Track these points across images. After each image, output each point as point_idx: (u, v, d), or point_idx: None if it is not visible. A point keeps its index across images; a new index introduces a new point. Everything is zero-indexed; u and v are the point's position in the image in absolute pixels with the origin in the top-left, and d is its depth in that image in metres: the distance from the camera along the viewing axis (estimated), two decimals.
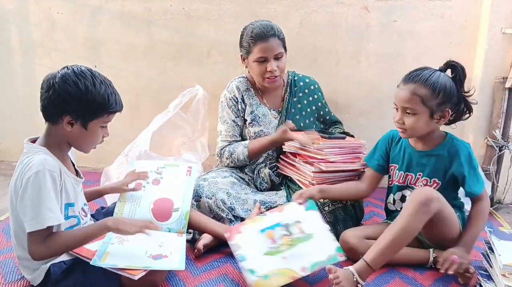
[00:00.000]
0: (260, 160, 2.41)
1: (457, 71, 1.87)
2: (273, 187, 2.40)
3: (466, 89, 1.91)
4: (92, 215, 1.93)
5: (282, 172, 2.37)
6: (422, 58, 2.84)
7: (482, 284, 1.73)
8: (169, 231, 1.93)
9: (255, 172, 2.41)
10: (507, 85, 2.63)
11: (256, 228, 1.91)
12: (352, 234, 1.97)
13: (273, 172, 2.39)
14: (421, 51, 2.84)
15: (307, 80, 2.50)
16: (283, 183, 2.39)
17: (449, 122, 1.94)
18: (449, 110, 1.84)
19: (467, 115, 1.94)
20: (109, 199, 2.37)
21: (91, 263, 1.55)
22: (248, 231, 1.91)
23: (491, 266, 1.75)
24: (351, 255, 1.87)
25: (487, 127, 2.77)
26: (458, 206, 1.98)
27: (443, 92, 1.80)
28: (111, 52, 3.07)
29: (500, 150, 2.71)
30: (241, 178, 2.39)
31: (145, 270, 1.59)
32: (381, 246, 1.70)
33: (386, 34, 2.84)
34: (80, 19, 3.05)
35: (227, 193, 2.16)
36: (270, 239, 1.85)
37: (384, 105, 2.92)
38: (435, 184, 1.93)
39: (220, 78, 2.92)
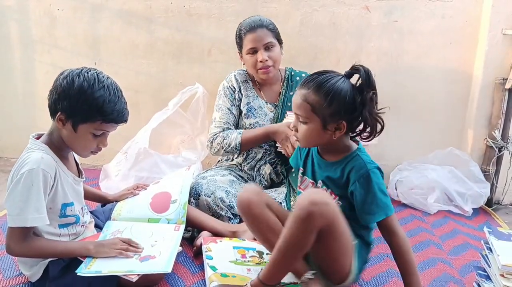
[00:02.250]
0: (259, 156, 2.40)
1: (360, 76, 1.56)
2: (272, 185, 2.40)
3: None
4: (91, 212, 1.93)
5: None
6: (423, 58, 2.85)
7: (480, 284, 1.73)
8: (168, 222, 1.93)
9: (255, 170, 2.41)
10: (507, 86, 2.63)
11: (232, 244, 1.94)
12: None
13: (273, 169, 2.39)
14: (421, 51, 2.84)
15: (303, 75, 2.50)
16: (283, 181, 2.38)
17: (359, 136, 1.63)
18: (344, 122, 1.54)
19: (376, 130, 1.60)
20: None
21: (76, 271, 1.53)
22: (223, 244, 1.94)
23: (489, 266, 1.74)
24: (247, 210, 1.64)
25: (486, 128, 2.77)
26: (364, 239, 1.64)
27: (337, 101, 1.52)
28: (111, 50, 3.07)
29: (500, 150, 2.71)
30: (240, 176, 2.39)
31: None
32: (272, 260, 1.52)
33: (387, 34, 2.84)
34: (80, 16, 3.04)
35: (226, 191, 2.15)
36: (241, 254, 1.88)
37: (384, 105, 2.90)
38: (333, 195, 1.61)
39: (220, 76, 2.90)
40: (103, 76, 1.61)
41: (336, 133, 1.55)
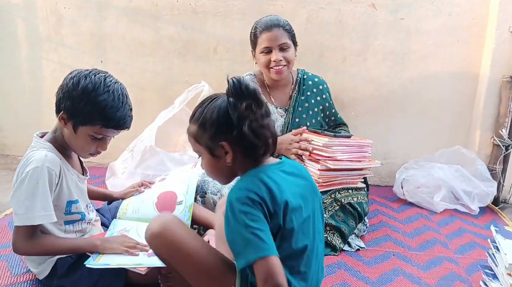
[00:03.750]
0: None
1: (229, 88, 1.34)
2: None
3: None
4: (97, 210, 1.94)
5: None
6: (429, 57, 2.84)
7: (487, 283, 1.73)
8: None
9: None
10: None
11: None
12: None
13: None
14: (428, 49, 2.83)
15: (316, 79, 2.49)
16: None
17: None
18: (225, 143, 1.30)
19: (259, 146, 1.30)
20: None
21: (85, 263, 1.54)
22: None
23: (496, 265, 1.74)
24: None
25: (493, 127, 2.76)
26: None
27: (209, 123, 1.33)
28: (117, 48, 3.07)
29: (507, 149, 2.69)
30: None
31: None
32: None
33: (393, 32, 2.83)
34: (86, 14, 3.05)
35: None
36: None
37: (391, 104, 2.92)
38: None
39: (226, 74, 2.91)
40: (110, 81, 1.59)
41: (227, 157, 1.32)
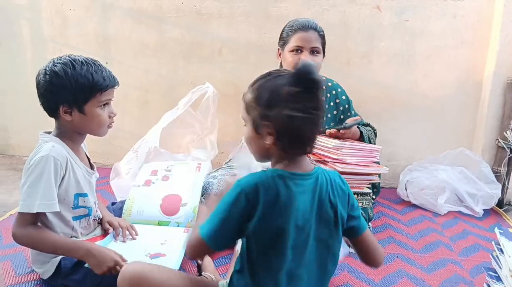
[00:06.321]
0: None
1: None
2: None
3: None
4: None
5: None
6: (434, 58, 2.84)
7: (491, 285, 1.73)
8: (178, 226, 1.94)
9: None
10: None
11: None
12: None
13: None
14: (432, 51, 2.83)
15: (329, 84, 2.46)
16: None
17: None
18: (272, 125, 1.21)
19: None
20: (119, 195, 2.39)
21: (86, 265, 1.53)
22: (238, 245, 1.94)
23: (500, 267, 1.74)
24: None
25: (498, 129, 2.76)
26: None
27: (264, 101, 1.23)
28: (122, 49, 3.09)
29: (511, 151, 2.69)
30: None
31: None
32: None
33: (398, 33, 2.83)
34: (91, 15, 3.07)
35: None
36: None
37: (396, 106, 2.91)
38: None
39: (230, 76, 2.93)
40: (75, 55, 1.64)
41: (267, 139, 1.24)
